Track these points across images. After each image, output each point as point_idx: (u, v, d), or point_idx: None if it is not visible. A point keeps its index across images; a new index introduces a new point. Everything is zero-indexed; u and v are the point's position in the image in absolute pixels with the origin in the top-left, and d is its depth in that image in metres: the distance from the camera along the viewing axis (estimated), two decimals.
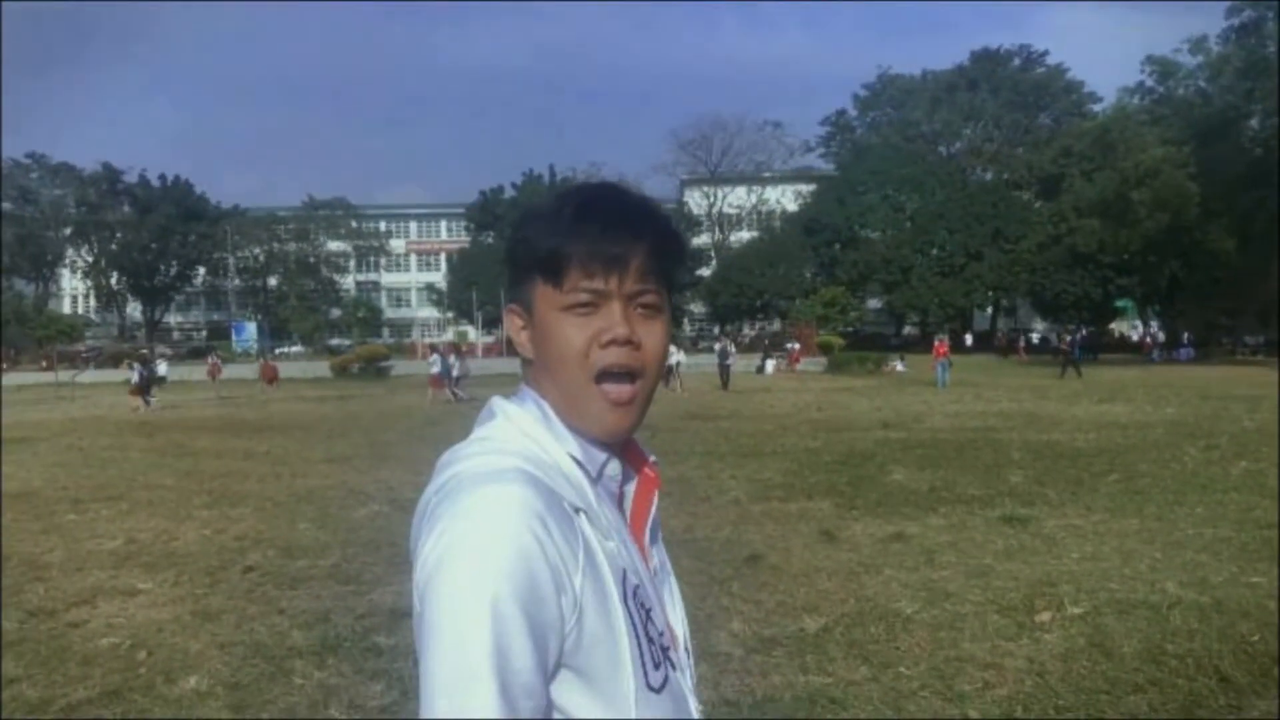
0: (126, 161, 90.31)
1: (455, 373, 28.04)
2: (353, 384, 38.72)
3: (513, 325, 1.18)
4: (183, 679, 4.84)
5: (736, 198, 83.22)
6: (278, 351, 57.29)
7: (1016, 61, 75.27)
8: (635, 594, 1.09)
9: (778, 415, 20.09)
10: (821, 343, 48.02)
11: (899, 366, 40.53)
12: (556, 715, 1.03)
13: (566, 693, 1.03)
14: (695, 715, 1.16)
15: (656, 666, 1.08)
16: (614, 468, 1.16)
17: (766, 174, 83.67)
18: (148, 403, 25.91)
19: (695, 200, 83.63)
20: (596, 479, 1.12)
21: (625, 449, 1.21)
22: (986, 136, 75.77)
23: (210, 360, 41.26)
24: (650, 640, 1.09)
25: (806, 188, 77.05)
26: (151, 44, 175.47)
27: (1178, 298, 61.62)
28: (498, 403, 1.18)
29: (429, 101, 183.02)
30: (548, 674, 1.00)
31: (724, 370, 31.18)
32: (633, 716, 1.04)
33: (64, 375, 39.66)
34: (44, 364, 50.42)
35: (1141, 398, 22.56)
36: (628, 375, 1.11)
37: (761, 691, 4.54)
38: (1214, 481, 10.11)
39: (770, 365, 42.01)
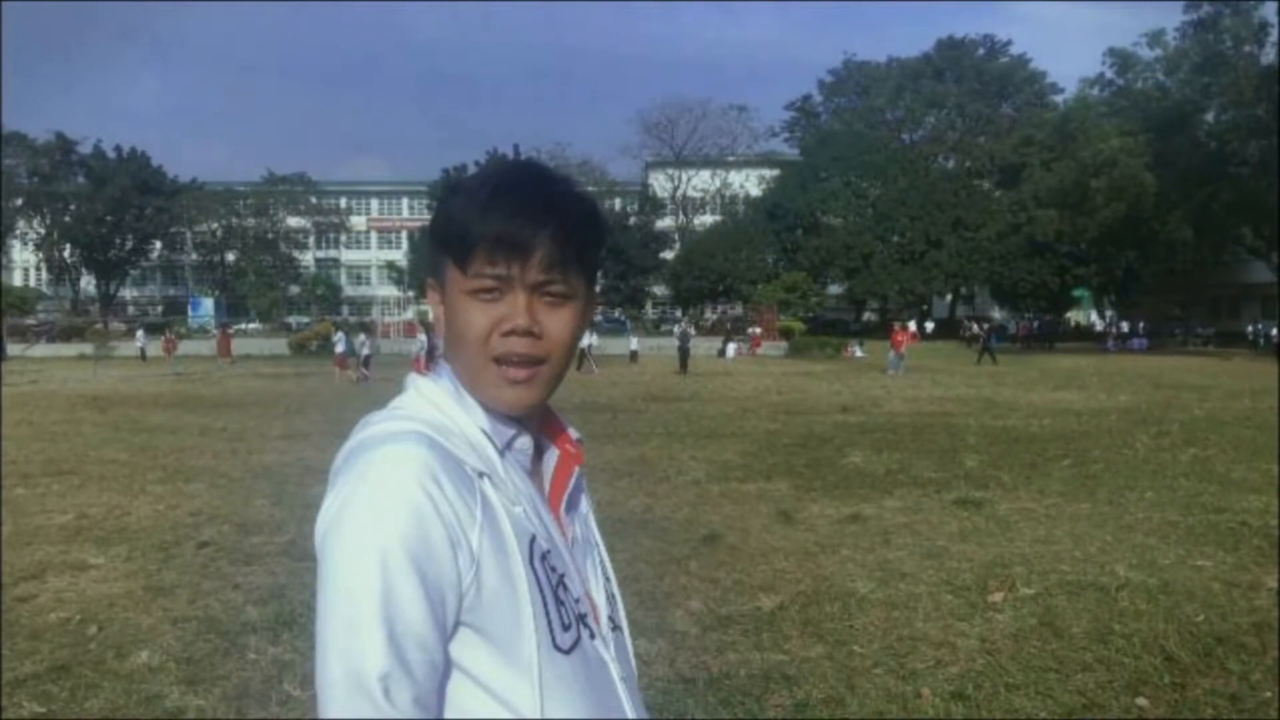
0: (81, 132, 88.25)
1: (365, 351, 27.38)
2: (310, 361, 38.33)
3: (432, 301, 1.19)
4: (134, 654, 4.78)
5: (701, 181, 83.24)
6: (234, 329, 56.54)
7: (981, 51, 75.84)
8: (544, 557, 1.09)
9: (738, 398, 20.18)
10: (782, 327, 48.28)
11: (858, 352, 40.86)
12: (457, 673, 1.04)
13: (467, 650, 1.03)
14: (618, 683, 1.16)
15: (566, 629, 1.09)
16: (523, 442, 1.16)
17: (731, 158, 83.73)
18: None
19: (660, 183, 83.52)
20: (504, 450, 1.13)
21: (545, 425, 1.23)
22: (949, 124, 76.29)
23: (165, 336, 40.94)
24: (560, 603, 1.09)
25: (770, 172, 77.18)
26: (110, 15, 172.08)
27: (1133, 288, 62.64)
28: (412, 378, 1.19)
29: (393, 78, 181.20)
30: (443, 628, 1.01)
31: (683, 354, 30.67)
32: (534, 675, 1.04)
33: (14, 349, 38.93)
34: None
35: (1095, 386, 22.92)
36: (526, 361, 1.11)
37: (718, 668, 4.56)
38: (1164, 468, 10.30)
39: (731, 349, 42.16)
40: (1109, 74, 49.95)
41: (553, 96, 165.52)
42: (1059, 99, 67.13)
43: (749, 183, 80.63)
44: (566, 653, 1.07)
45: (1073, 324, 70.87)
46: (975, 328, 40.21)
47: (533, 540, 1.08)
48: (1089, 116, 48.42)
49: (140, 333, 43.67)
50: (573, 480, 1.22)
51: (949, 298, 75.22)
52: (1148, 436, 12.85)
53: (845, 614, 5.34)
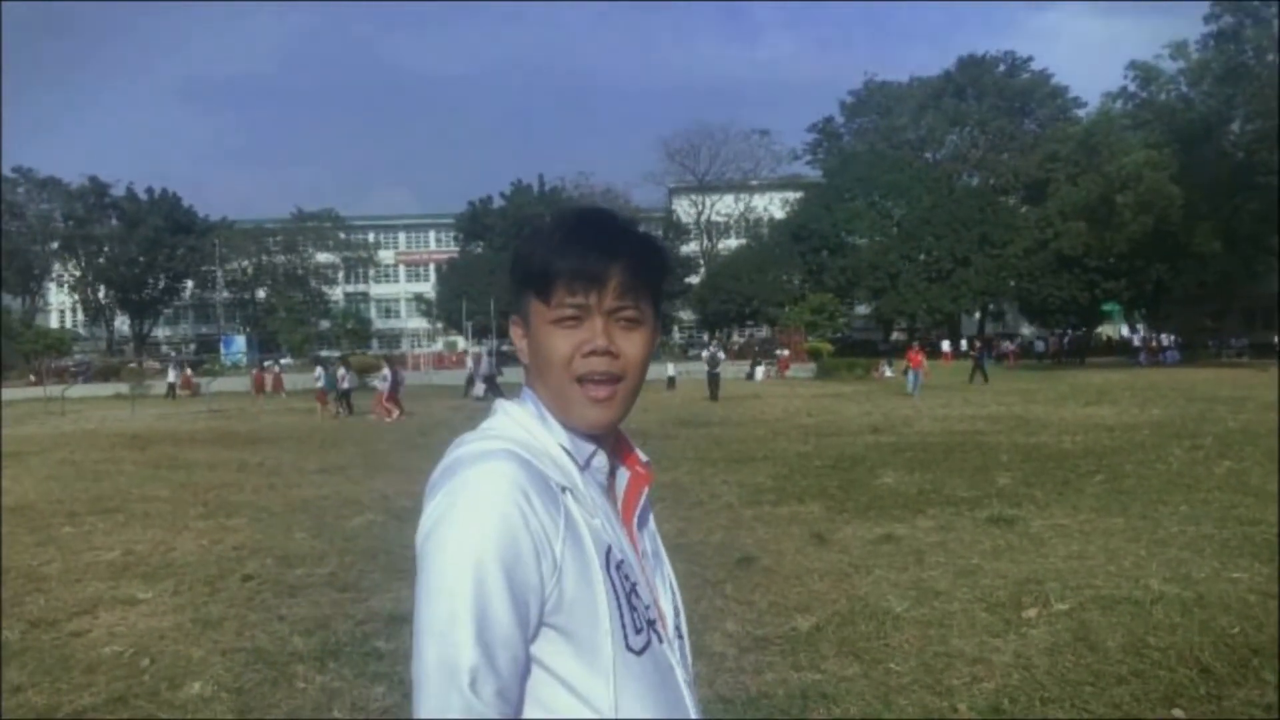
0: (114, 175, 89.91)
1: (345, 385, 26.97)
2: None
3: (515, 334, 1.35)
4: (187, 685, 4.92)
5: (725, 205, 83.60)
6: (266, 364, 57.17)
7: (1002, 67, 75.79)
8: (619, 567, 1.22)
9: (768, 421, 20.22)
10: (810, 349, 48.24)
11: (887, 372, 40.75)
12: (539, 670, 1.16)
13: (549, 649, 1.16)
14: (682, 685, 1.28)
15: (638, 632, 1.21)
16: (600, 460, 1.30)
17: (754, 182, 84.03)
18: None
19: (684, 208, 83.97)
20: (584, 468, 1.27)
21: (618, 448, 1.37)
22: (972, 142, 76.23)
23: (185, 373, 41.68)
24: (633, 609, 1.22)
25: (794, 195, 77.37)
26: (138, 56, 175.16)
27: (1164, 301, 62.09)
28: (500, 402, 1.34)
29: (417, 111, 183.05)
30: (527, 630, 1.14)
31: (713, 380, 29.43)
32: (610, 673, 1.16)
33: (53, 390, 39.57)
34: (33, 379, 50.28)
35: (1128, 400, 22.78)
36: (607, 380, 1.26)
37: (756, 689, 4.64)
38: (1198, 481, 10.26)
39: (760, 372, 42.18)
40: (1132, 87, 49.74)
41: (575, 126, 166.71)
42: (1082, 113, 66.89)
43: (773, 205, 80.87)
44: (638, 654, 1.20)
45: (1104, 338, 70.33)
46: (967, 346, 40.11)
47: (609, 550, 1.21)
48: (1113, 130, 48.17)
49: (172, 370, 44.31)
50: (643, 498, 1.35)
51: (978, 315, 74.89)
52: (1181, 450, 12.79)
53: (880, 633, 5.40)
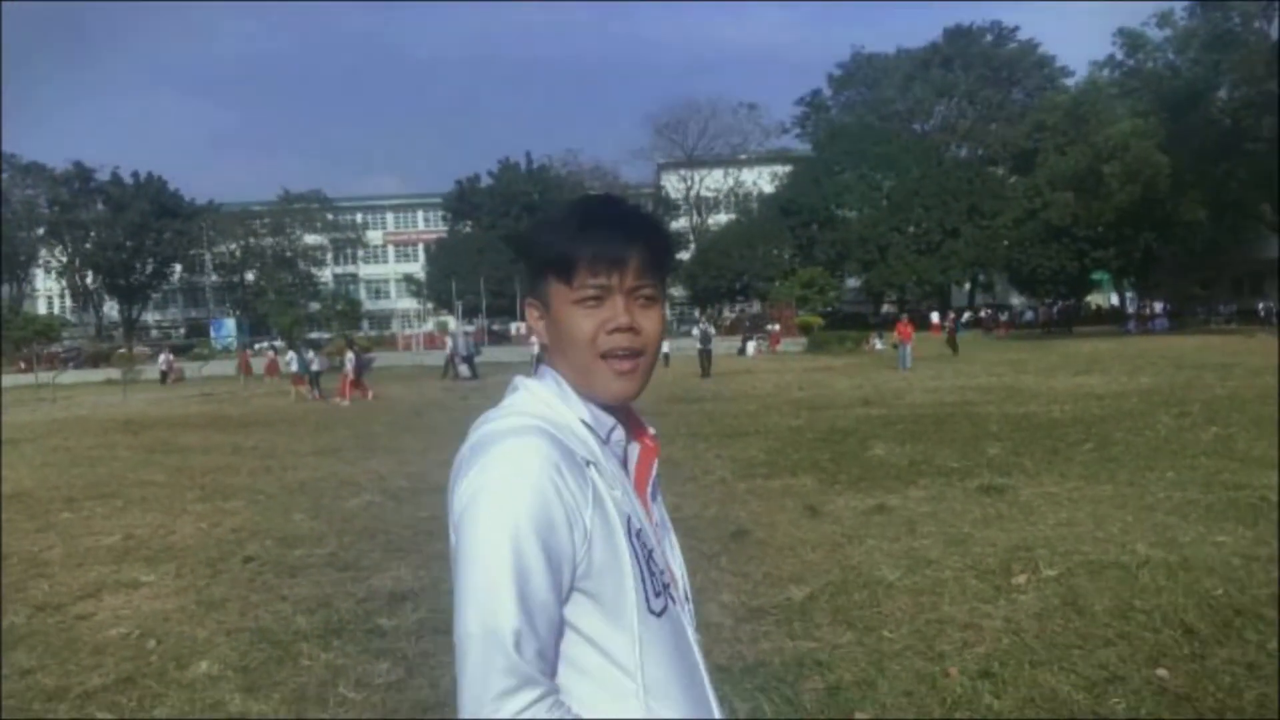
0: (99, 159, 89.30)
1: (315, 367, 27.11)
2: (334, 377, 38.67)
3: (531, 316, 1.43)
4: (194, 664, 5.00)
5: (713, 180, 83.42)
6: (259, 347, 57.06)
7: (988, 37, 75.68)
8: (638, 535, 1.31)
9: (760, 396, 20.33)
10: (801, 323, 48.38)
11: (878, 344, 40.90)
12: (570, 631, 1.25)
13: (579, 612, 1.25)
14: (694, 643, 1.39)
15: (657, 595, 1.31)
16: (620, 433, 1.39)
17: (743, 156, 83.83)
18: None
19: (672, 184, 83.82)
20: (605, 441, 1.35)
21: (628, 421, 1.44)
22: (960, 113, 76.17)
23: (163, 358, 41.62)
24: (651, 574, 1.31)
25: (783, 169, 77.23)
26: (121, 40, 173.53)
27: (1153, 269, 62.28)
28: (520, 379, 1.41)
29: (402, 91, 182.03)
30: (561, 594, 1.23)
31: (704, 356, 28.80)
32: (634, 633, 1.26)
33: (43, 376, 39.48)
34: (23, 365, 50.16)
35: (1117, 369, 22.94)
36: (629, 354, 1.34)
37: (752, 657, 4.74)
38: (1185, 447, 10.40)
39: (751, 347, 42.29)
40: (1119, 55, 49.72)
41: (562, 103, 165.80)
42: (1070, 82, 66.83)
43: (762, 180, 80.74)
44: (658, 615, 1.29)
45: (1093, 307, 70.57)
46: (939, 317, 40.25)
47: (629, 519, 1.29)
48: (1100, 99, 48.20)
49: (164, 355, 44.24)
50: (653, 470, 1.44)
51: (967, 286, 75.02)
52: (1169, 417, 12.93)
53: (873, 601, 5.51)
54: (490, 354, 41.20)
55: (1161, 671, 4.28)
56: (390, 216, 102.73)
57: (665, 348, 34.89)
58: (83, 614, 6.04)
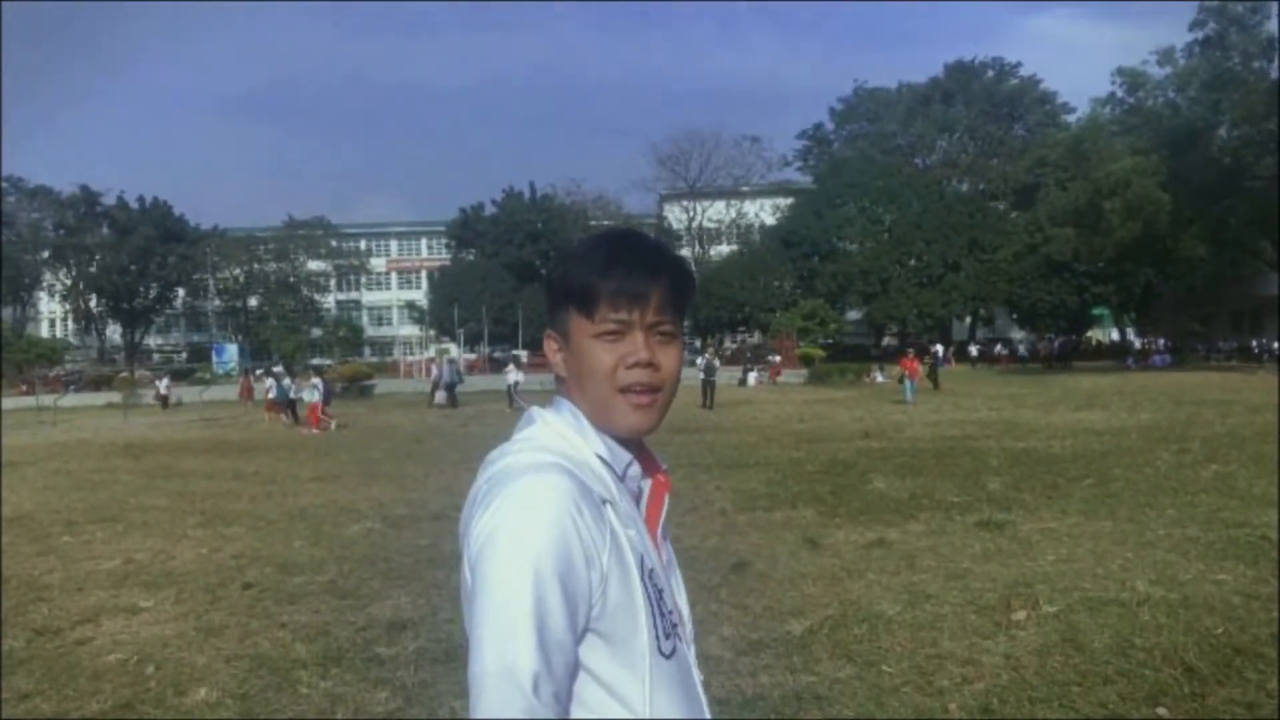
0: (104, 184, 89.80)
1: (293, 395, 26.87)
2: (336, 403, 38.67)
3: (550, 349, 1.43)
4: (192, 691, 5.00)
5: (715, 212, 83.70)
6: (259, 372, 57.08)
7: (990, 73, 76.16)
8: (650, 575, 1.31)
9: (760, 427, 20.33)
10: (802, 355, 48.37)
11: (879, 377, 40.89)
12: (583, 673, 1.25)
13: (592, 653, 1.25)
14: (698, 683, 1.39)
15: (667, 637, 1.31)
16: (635, 469, 1.39)
17: (745, 188, 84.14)
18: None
19: (675, 215, 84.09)
20: (621, 477, 1.36)
21: (641, 457, 1.44)
22: (961, 148, 76.55)
23: (163, 384, 41.60)
24: (662, 615, 1.31)
25: (785, 201, 77.50)
26: (129, 66, 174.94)
27: (1152, 304, 62.45)
28: (536, 411, 1.42)
29: (408, 119, 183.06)
30: (577, 635, 1.22)
31: (708, 387, 28.47)
32: (646, 676, 1.26)
33: (45, 399, 39.48)
34: (24, 388, 50.14)
35: (1117, 404, 22.95)
36: (648, 390, 1.36)
37: (751, 691, 4.74)
38: (1185, 484, 10.40)
39: (752, 378, 42.27)
40: (1120, 93, 50.10)
41: (566, 133, 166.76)
42: (1071, 119, 67.23)
43: (764, 212, 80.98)
44: (668, 657, 1.29)
45: (1093, 342, 70.66)
46: (928, 353, 40.22)
47: (642, 559, 1.30)
48: (1101, 136, 48.49)
49: (165, 381, 44.24)
50: (665, 506, 1.44)
51: (968, 320, 75.13)
52: (1169, 454, 12.94)
53: (873, 635, 5.51)
54: (486, 383, 41.06)
55: (1161, 710, 4.29)
56: (394, 243, 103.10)
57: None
58: (82, 639, 6.03)
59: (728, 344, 69.85)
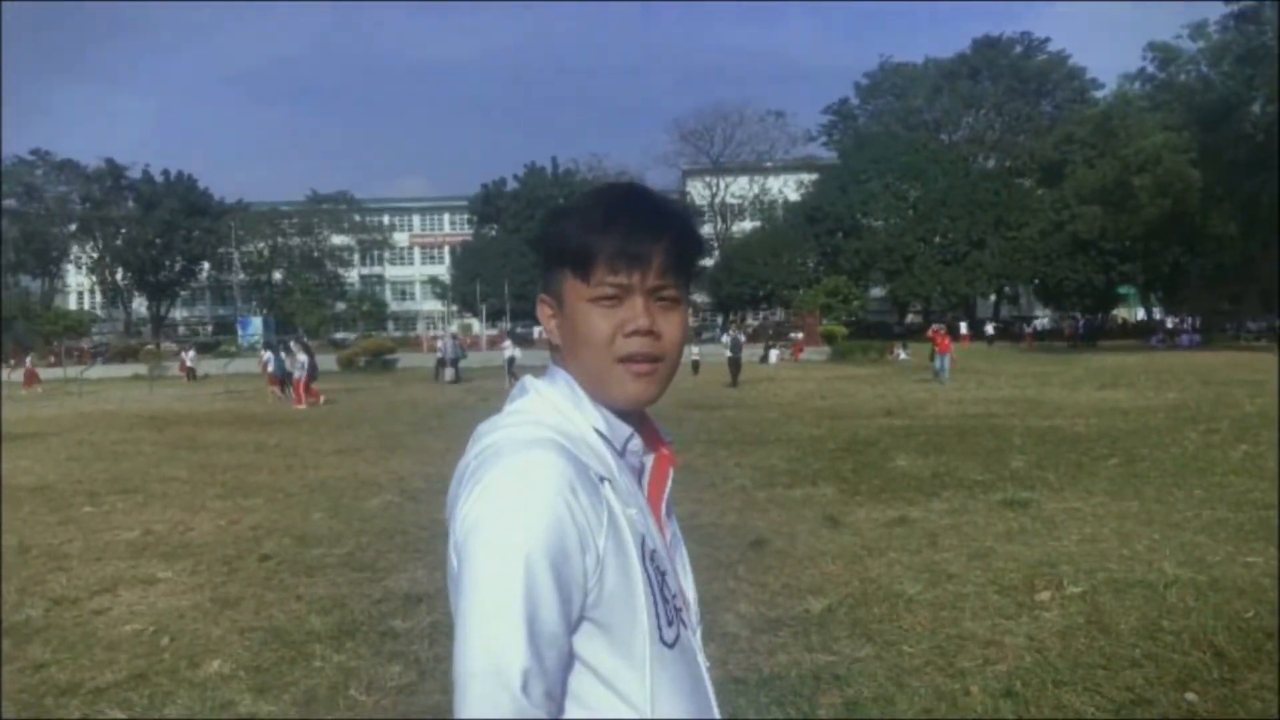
0: (130, 158, 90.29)
1: (298, 373, 25.22)
2: (359, 377, 38.84)
3: (543, 314, 1.31)
4: (206, 663, 4.98)
5: (739, 187, 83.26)
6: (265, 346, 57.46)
7: (1018, 49, 75.21)
8: (652, 557, 1.20)
9: (782, 404, 20.22)
10: (825, 332, 48.14)
11: (902, 355, 40.67)
12: (578, 664, 1.15)
13: (588, 643, 1.15)
14: (704, 671, 1.29)
15: (669, 624, 1.20)
16: (636, 443, 1.28)
17: (768, 164, 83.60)
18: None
19: (698, 190, 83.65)
20: (621, 453, 1.25)
21: (644, 429, 1.33)
22: (988, 124, 75.76)
23: (182, 354, 41.91)
24: (665, 600, 1.20)
25: (809, 177, 77.04)
26: (153, 41, 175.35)
27: (1181, 283, 61.73)
28: (529, 380, 1.31)
29: (431, 94, 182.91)
30: (570, 625, 1.12)
31: (734, 364, 27.73)
32: (646, 669, 1.15)
33: (72, 371, 39.83)
34: (52, 360, 50.58)
35: (1143, 383, 22.68)
36: (648, 359, 1.24)
37: (768, 670, 4.67)
38: (1213, 465, 10.23)
39: (774, 355, 42.11)
40: (1150, 68, 49.37)
41: (588, 108, 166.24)
42: (1100, 95, 66.36)
43: (787, 188, 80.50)
44: (670, 646, 1.19)
45: (1119, 321, 70.01)
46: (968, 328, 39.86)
47: (643, 540, 1.19)
48: (1130, 112, 47.87)
49: (191, 353, 44.53)
50: (669, 482, 1.33)
51: (993, 298, 74.56)
52: (1197, 434, 12.74)
53: (893, 615, 5.43)
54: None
55: (1190, 695, 4.18)
56: (417, 219, 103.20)
57: (695, 354, 34.90)
58: (99, 609, 6.04)
59: (750, 321, 69.59)
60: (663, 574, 1.22)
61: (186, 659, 5.06)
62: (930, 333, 28.48)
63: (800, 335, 47.60)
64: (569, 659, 1.13)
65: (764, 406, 19.76)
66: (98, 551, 7.65)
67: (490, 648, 1.07)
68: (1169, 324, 62.12)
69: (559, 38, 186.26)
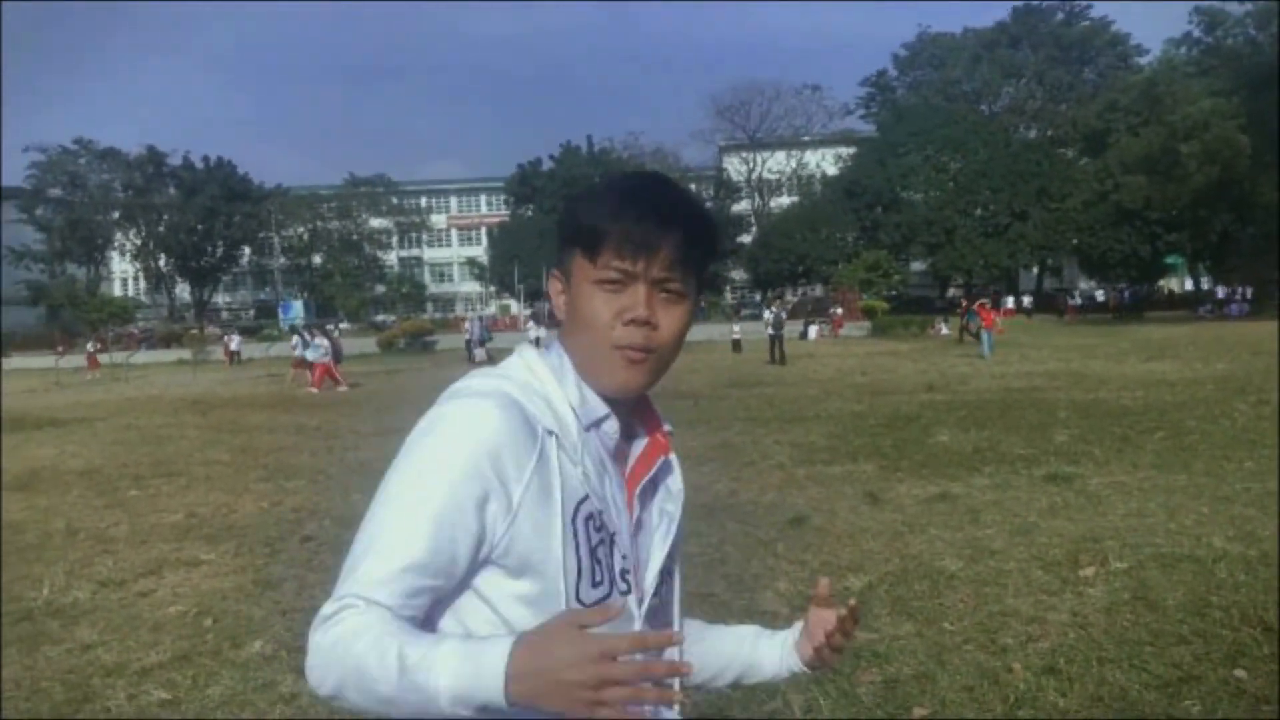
0: (170, 144, 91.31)
1: (325, 356, 24.97)
2: (399, 358, 39.13)
3: (554, 289, 1.33)
4: (248, 643, 5.03)
5: (776, 163, 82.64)
6: (327, 328, 58.05)
7: (1059, 16, 73.89)
8: (589, 519, 1.22)
9: (821, 380, 20.10)
10: (865, 307, 47.76)
11: (944, 329, 40.27)
12: (477, 600, 1.20)
13: (494, 588, 1.20)
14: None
15: (595, 585, 1.22)
16: (611, 425, 1.29)
17: (806, 138, 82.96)
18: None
19: (734, 166, 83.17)
20: (589, 427, 1.26)
21: (642, 415, 1.36)
22: (1029, 93, 74.58)
23: (226, 338, 42.44)
24: (598, 561, 1.22)
25: (847, 151, 76.21)
26: (192, 28, 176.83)
27: (1229, 252, 60.46)
28: (521, 346, 1.34)
29: (466, 75, 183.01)
30: (459, 563, 1.16)
31: (775, 341, 27.12)
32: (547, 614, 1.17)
33: (118, 356, 40.47)
34: (99, 346, 51.44)
35: (1190, 354, 22.30)
36: (642, 349, 1.24)
37: None
38: (1263, 437, 10.00)
39: (813, 331, 41.86)
40: (1196, 32, 48.31)
41: (623, 86, 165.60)
42: (1144, 61, 65.08)
43: (825, 162, 79.77)
44: (589, 607, 1.20)
45: (1166, 292, 68.82)
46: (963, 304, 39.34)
47: (583, 500, 1.21)
48: (1176, 78, 46.89)
49: (236, 337, 45.15)
50: (655, 467, 1.33)
51: (1035, 270, 73.56)
52: (1246, 405, 12.49)
53: (934, 592, 5.37)
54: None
55: (1239, 672, 4.09)
56: (454, 200, 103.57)
57: (736, 332, 34.70)
58: (144, 591, 6.12)
59: (789, 297, 69.22)
60: (611, 536, 1.24)
61: (229, 640, 5.12)
62: (975, 306, 28.00)
63: (840, 310, 47.22)
64: (444, 594, 1.18)
65: (803, 383, 19.65)
66: (143, 534, 7.76)
67: (360, 554, 1.16)
68: (1219, 294, 60.91)
69: (594, 15, 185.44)
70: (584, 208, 1.26)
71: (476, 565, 1.18)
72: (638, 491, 1.31)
